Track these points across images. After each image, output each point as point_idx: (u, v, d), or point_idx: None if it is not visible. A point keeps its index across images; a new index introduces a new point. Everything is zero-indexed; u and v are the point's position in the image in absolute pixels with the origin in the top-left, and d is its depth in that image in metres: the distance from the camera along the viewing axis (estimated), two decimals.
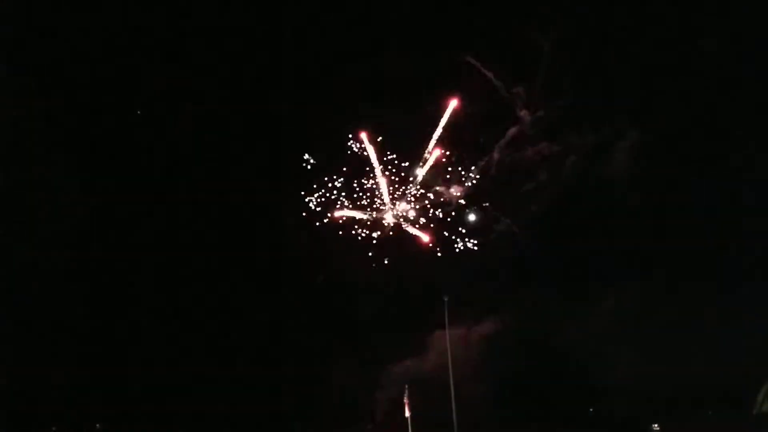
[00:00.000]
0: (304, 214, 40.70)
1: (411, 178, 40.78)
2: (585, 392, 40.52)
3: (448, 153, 40.58)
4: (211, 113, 40.51)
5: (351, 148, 40.66)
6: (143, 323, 42.41)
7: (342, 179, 40.79)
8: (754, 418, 36.42)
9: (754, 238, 37.78)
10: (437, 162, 40.63)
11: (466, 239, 40.46)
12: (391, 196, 40.81)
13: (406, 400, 36.45)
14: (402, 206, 41.00)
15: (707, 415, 38.90)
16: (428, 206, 41.06)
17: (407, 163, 40.78)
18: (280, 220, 41.84)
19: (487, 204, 40.98)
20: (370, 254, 40.45)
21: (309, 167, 40.82)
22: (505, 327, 40.69)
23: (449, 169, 40.94)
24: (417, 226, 40.93)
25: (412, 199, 41.10)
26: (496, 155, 40.78)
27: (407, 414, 36.35)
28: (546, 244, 40.48)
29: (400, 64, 37.94)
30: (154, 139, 41.46)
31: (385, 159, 40.69)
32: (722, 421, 37.81)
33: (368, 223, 40.72)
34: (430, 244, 40.65)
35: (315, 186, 40.69)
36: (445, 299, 37.85)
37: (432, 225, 40.98)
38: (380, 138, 40.41)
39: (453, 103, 39.55)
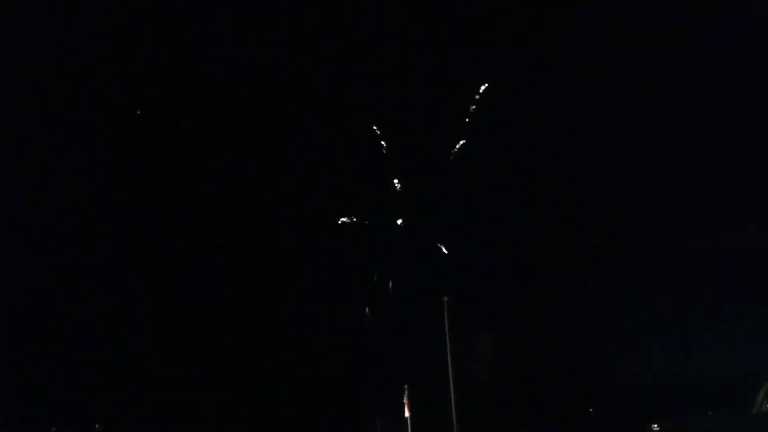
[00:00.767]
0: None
1: None
2: (585, 392, 40.55)
3: None
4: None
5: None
6: (143, 323, 42.43)
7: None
8: (754, 418, 36.50)
9: (754, 238, 37.86)
10: None
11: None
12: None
13: (406, 400, 36.41)
14: None
15: (707, 415, 38.91)
16: None
17: None
18: (280, 220, 41.91)
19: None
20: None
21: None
22: (505, 327, 40.70)
23: None
24: None
25: None
26: None
27: (407, 414, 36.32)
28: (546, 243, 40.53)
29: None
30: (154, 140, 41.52)
31: None
32: (722, 421, 37.81)
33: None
34: None
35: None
36: (445, 299, 37.79)
37: None
38: None
39: None
